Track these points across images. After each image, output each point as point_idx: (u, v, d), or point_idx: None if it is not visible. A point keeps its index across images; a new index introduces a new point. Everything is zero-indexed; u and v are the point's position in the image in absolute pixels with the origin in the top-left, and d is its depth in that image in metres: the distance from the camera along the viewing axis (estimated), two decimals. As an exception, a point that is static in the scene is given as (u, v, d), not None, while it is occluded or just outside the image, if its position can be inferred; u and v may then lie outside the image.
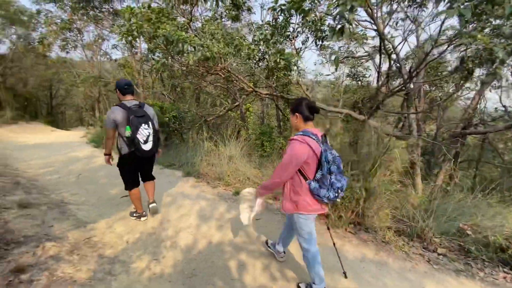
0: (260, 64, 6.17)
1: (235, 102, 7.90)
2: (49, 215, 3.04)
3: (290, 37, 5.37)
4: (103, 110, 14.32)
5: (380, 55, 5.14)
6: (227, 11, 5.57)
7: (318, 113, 1.79)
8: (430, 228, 2.81)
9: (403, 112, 6.12)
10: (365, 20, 11.92)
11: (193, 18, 5.29)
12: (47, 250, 2.29)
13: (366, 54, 7.88)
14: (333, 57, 2.84)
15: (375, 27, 4.33)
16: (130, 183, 2.82)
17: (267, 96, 5.84)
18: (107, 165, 2.88)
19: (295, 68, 4.69)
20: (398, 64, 5.02)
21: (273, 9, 4.79)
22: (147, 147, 2.56)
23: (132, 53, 9.78)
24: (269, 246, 2.45)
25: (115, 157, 2.79)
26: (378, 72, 5.71)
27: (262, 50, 5.10)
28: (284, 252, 2.34)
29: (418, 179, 4.45)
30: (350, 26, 2.48)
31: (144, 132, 2.54)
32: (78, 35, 9.89)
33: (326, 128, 3.70)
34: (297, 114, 1.77)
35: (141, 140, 2.53)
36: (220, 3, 5.03)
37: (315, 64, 27.94)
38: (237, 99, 7.68)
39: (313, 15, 4.80)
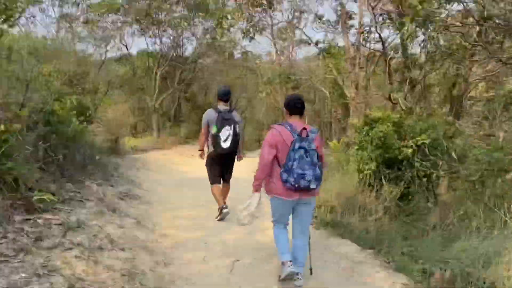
0: None
1: None
2: None
3: None
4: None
5: None
6: None
7: (301, 108, 3.33)
8: None
9: None
10: None
11: None
12: None
13: None
14: None
15: None
16: (212, 178, 5.19)
17: None
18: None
19: None
20: None
21: None
22: (226, 145, 4.83)
23: (345, 27, 9.10)
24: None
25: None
26: None
27: None
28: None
29: None
30: None
31: (225, 133, 4.82)
32: (269, 11, 10.47)
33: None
34: (284, 108, 3.38)
35: (222, 138, 4.81)
36: None
37: None
38: None
39: None
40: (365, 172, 5.87)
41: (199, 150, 5.29)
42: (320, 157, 3.11)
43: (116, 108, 11.75)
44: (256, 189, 3.33)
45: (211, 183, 5.10)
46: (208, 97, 19.62)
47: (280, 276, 3.28)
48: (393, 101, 9.48)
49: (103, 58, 17.19)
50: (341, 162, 6.73)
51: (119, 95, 17.22)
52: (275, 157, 3.13)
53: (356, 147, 6.22)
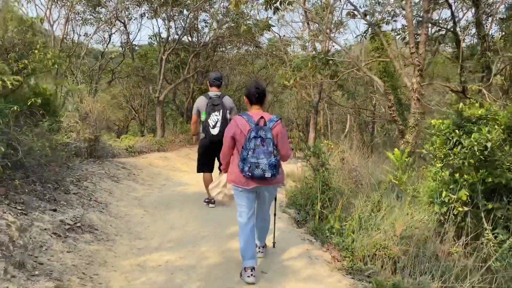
0: None
1: None
2: None
3: None
4: (324, 130, 13.49)
5: None
6: None
7: (261, 98, 3.52)
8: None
9: None
10: None
11: None
12: None
13: None
14: None
15: None
16: (201, 166, 5.64)
17: None
18: None
19: None
20: None
21: None
22: (215, 131, 5.17)
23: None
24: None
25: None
26: None
27: None
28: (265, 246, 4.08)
29: None
30: None
31: (214, 118, 5.16)
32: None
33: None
34: (245, 97, 3.61)
35: (211, 125, 5.17)
36: None
37: None
38: None
39: None
40: (451, 204, 4.09)
41: (193, 135, 5.85)
42: (276, 146, 3.29)
43: (98, 98, 10.58)
44: (224, 170, 3.71)
45: (199, 170, 5.61)
46: (227, 90, 18.48)
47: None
48: (468, 95, 7.59)
49: (106, 43, 16.58)
50: (404, 184, 4.74)
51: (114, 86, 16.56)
52: (236, 147, 3.47)
53: (438, 163, 4.37)
